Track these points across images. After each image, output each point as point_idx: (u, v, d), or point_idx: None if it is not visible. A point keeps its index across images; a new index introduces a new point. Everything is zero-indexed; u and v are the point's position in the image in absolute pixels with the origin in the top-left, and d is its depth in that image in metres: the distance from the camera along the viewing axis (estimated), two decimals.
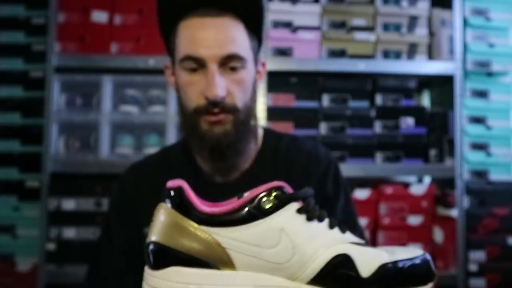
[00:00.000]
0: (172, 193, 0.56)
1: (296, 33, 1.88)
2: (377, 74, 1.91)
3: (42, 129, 1.81)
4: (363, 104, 1.90)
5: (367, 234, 1.82)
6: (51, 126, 1.80)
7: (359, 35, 1.90)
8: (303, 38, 1.88)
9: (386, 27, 1.92)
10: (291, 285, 0.55)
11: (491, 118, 1.93)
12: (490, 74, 1.95)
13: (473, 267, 1.85)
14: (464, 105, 1.92)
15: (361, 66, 1.87)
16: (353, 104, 1.89)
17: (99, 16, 1.85)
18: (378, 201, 1.87)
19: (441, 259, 1.87)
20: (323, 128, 1.87)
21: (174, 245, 0.54)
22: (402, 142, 1.88)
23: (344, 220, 0.95)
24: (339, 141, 1.86)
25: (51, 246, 1.76)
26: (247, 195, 0.56)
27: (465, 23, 1.94)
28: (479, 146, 1.92)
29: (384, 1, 1.92)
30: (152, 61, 1.82)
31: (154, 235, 0.55)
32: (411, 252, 0.57)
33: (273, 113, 1.85)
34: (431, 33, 1.94)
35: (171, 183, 0.57)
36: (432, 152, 1.90)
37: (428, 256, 0.57)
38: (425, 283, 0.56)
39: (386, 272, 0.54)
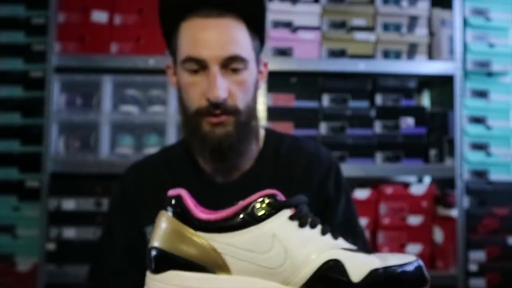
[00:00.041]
0: (173, 201, 0.58)
1: (296, 33, 1.88)
2: (377, 74, 1.91)
3: (42, 129, 1.81)
4: (363, 104, 1.90)
5: (367, 234, 1.82)
6: (51, 126, 1.80)
7: (359, 35, 1.90)
8: (303, 38, 1.88)
9: (386, 27, 1.92)
10: None
11: (491, 118, 1.93)
12: (490, 74, 1.95)
13: (473, 267, 1.85)
14: (464, 105, 1.92)
15: (361, 66, 1.87)
16: (353, 104, 1.89)
17: (99, 16, 1.85)
18: (378, 201, 1.87)
19: (441, 259, 1.87)
20: (323, 128, 1.87)
21: (173, 250, 0.56)
22: (402, 142, 1.88)
23: (345, 222, 0.95)
24: (339, 141, 1.86)
25: (51, 246, 1.76)
26: (241, 202, 0.58)
27: (465, 23, 1.94)
28: (479, 146, 1.92)
29: (384, 1, 1.92)
30: (152, 61, 1.82)
31: (156, 241, 0.58)
32: (403, 259, 0.58)
33: (273, 113, 1.85)
34: (431, 33, 1.94)
35: (172, 192, 0.59)
36: (432, 152, 1.90)
37: (421, 262, 0.58)
38: None
39: (376, 277, 0.56)
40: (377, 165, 1.87)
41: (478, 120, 1.93)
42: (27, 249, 1.82)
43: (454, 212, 1.84)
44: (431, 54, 1.94)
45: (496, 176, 1.92)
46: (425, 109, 1.95)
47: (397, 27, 1.92)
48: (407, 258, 0.58)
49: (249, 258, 0.56)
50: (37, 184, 1.83)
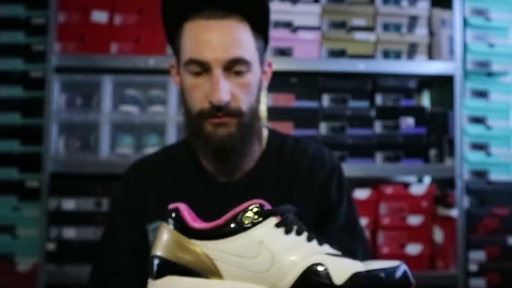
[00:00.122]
0: (173, 214, 0.64)
1: (296, 33, 1.88)
2: (377, 74, 1.91)
3: (42, 129, 1.81)
4: (363, 104, 1.90)
5: (367, 234, 1.82)
6: (51, 126, 1.80)
7: (359, 35, 1.90)
8: (303, 38, 1.88)
9: (386, 27, 1.92)
10: None
11: (491, 118, 1.93)
12: (490, 74, 1.95)
13: (473, 267, 1.85)
14: (464, 105, 1.92)
15: (361, 66, 1.87)
16: (353, 104, 1.89)
17: (99, 16, 1.85)
18: (378, 201, 1.87)
19: (441, 259, 1.87)
20: (323, 128, 1.87)
21: (172, 258, 0.62)
22: (402, 142, 1.88)
23: (346, 224, 0.95)
24: (339, 141, 1.86)
25: (51, 246, 1.76)
26: (231, 211, 0.63)
27: (465, 23, 1.94)
28: (479, 146, 1.92)
29: (384, 1, 1.92)
30: (152, 61, 1.82)
31: (158, 250, 0.63)
32: (387, 263, 0.61)
33: (273, 113, 1.85)
34: (431, 33, 1.94)
35: (172, 206, 0.65)
36: (432, 152, 1.90)
37: (405, 267, 0.61)
38: None
39: (359, 279, 0.59)
40: (377, 165, 1.87)
41: (478, 120, 1.93)
42: (27, 249, 1.82)
43: (454, 212, 1.84)
44: (431, 54, 1.94)
45: (496, 176, 1.92)
46: (425, 109, 1.95)
47: (397, 27, 1.92)
48: (391, 263, 0.61)
49: (238, 263, 0.60)
50: (37, 184, 1.83)
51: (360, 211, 1.02)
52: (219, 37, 0.83)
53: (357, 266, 0.60)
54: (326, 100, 1.88)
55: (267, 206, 0.63)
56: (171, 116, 1.82)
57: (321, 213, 0.94)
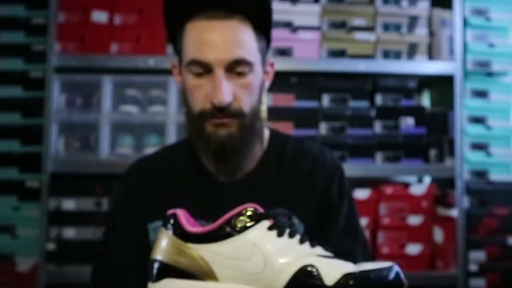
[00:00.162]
0: (171, 220, 0.66)
1: (296, 33, 1.88)
2: (377, 74, 1.91)
3: (42, 129, 1.81)
4: (363, 104, 1.90)
5: (367, 234, 1.82)
6: (51, 126, 1.80)
7: (359, 35, 1.90)
8: (303, 38, 1.88)
9: (386, 27, 1.92)
10: None
11: (491, 118, 1.93)
12: (490, 74, 1.95)
13: (473, 267, 1.85)
14: (464, 105, 1.92)
15: (361, 66, 1.87)
16: (353, 104, 1.89)
17: (99, 16, 1.85)
18: (378, 201, 1.87)
19: (441, 259, 1.87)
20: (323, 128, 1.87)
21: (170, 261, 0.64)
22: (402, 142, 1.88)
23: (346, 226, 0.95)
24: (339, 141, 1.86)
25: (51, 246, 1.76)
26: (225, 215, 0.65)
27: (465, 23, 1.94)
28: (479, 146, 1.92)
29: (384, 1, 1.92)
30: (152, 61, 1.82)
31: (157, 254, 0.66)
32: (379, 264, 0.62)
33: (273, 113, 1.85)
34: (431, 33, 1.94)
35: (170, 211, 0.68)
36: (432, 152, 1.90)
37: (397, 267, 0.62)
38: None
39: (349, 280, 0.60)
40: (377, 165, 1.87)
41: (478, 120, 1.93)
42: (27, 249, 1.82)
43: (454, 212, 1.84)
44: (431, 54, 1.94)
45: (496, 176, 1.92)
46: (425, 109, 1.95)
47: (397, 27, 1.92)
48: (383, 264, 0.62)
49: (232, 265, 0.62)
50: (37, 184, 1.83)
51: (360, 211, 1.02)
52: (221, 38, 0.83)
53: (348, 267, 0.61)
54: (326, 100, 1.88)
55: (260, 210, 0.65)
56: (171, 116, 1.82)
57: (322, 214, 0.94)
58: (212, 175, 0.94)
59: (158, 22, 1.84)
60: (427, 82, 2.11)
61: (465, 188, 1.88)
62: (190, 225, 0.67)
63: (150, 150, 1.76)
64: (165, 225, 0.67)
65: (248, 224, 0.64)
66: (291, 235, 0.64)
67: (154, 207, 0.93)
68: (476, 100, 1.93)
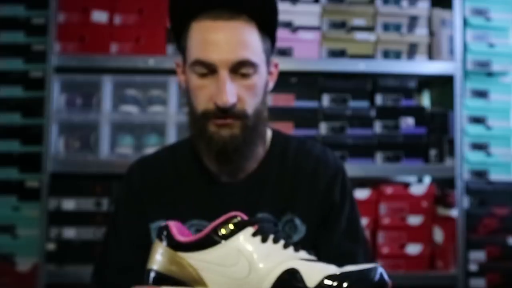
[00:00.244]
0: (164, 232, 0.70)
1: (296, 33, 1.88)
2: (377, 74, 1.91)
3: (42, 129, 1.81)
4: (363, 104, 1.90)
5: (367, 234, 1.82)
6: (51, 126, 1.80)
7: (359, 35, 1.90)
8: (303, 38, 1.88)
9: (386, 27, 1.92)
10: None
11: (491, 118, 1.93)
12: (490, 74, 1.95)
13: (473, 267, 1.85)
14: (464, 105, 1.92)
15: (361, 66, 1.87)
16: (353, 104, 1.89)
17: (99, 16, 1.85)
18: (378, 201, 1.87)
19: (441, 259, 1.87)
20: (323, 128, 1.87)
21: (164, 271, 0.68)
22: (402, 142, 1.88)
23: (348, 227, 0.95)
24: (339, 141, 1.86)
25: (51, 246, 1.76)
26: (211, 224, 0.68)
27: (465, 23, 1.94)
28: (479, 146, 1.92)
29: (384, 1, 1.92)
30: (152, 61, 1.82)
31: (152, 264, 0.69)
32: (363, 266, 0.63)
33: (273, 113, 1.83)
34: (431, 33, 1.94)
35: (163, 224, 0.71)
36: (432, 152, 1.90)
37: (381, 269, 0.63)
38: None
39: (331, 281, 0.61)
40: (377, 165, 1.87)
41: (478, 120, 1.93)
42: (27, 249, 1.82)
43: (454, 212, 1.84)
44: (431, 54, 1.94)
45: (496, 176, 1.92)
46: (425, 109, 1.95)
47: (397, 27, 1.92)
48: (367, 266, 0.63)
49: (220, 271, 0.65)
50: (37, 184, 1.83)
51: (360, 211, 1.02)
52: (226, 39, 0.83)
53: (330, 269, 0.63)
54: (326, 100, 1.88)
55: (244, 218, 0.68)
56: (171, 116, 1.82)
57: (324, 215, 0.94)
58: (214, 175, 0.94)
59: (158, 22, 1.84)
60: (427, 82, 2.11)
61: (465, 188, 1.88)
62: (184, 235, 0.70)
63: (150, 150, 1.76)
64: (159, 237, 0.70)
65: (233, 231, 0.67)
66: (275, 241, 0.67)
67: (156, 206, 0.93)
68: (476, 100, 1.93)
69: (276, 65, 0.96)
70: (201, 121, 0.86)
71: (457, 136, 1.88)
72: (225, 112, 0.83)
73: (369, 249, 0.99)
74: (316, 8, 1.89)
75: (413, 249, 1.85)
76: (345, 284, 0.60)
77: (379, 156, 1.87)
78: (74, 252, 1.76)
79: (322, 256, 0.81)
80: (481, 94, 1.94)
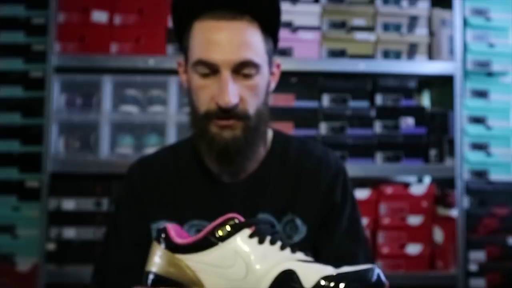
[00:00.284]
0: (162, 235, 0.70)
1: (296, 33, 1.88)
2: (377, 74, 1.91)
3: (42, 129, 1.81)
4: (363, 104, 1.90)
5: (367, 234, 1.82)
6: (51, 126, 1.80)
7: (359, 35, 1.90)
8: (303, 38, 1.88)
9: (386, 27, 1.92)
10: None
11: (491, 118, 1.93)
12: (490, 74, 1.95)
13: (473, 267, 1.85)
14: (464, 105, 1.92)
15: (361, 66, 1.87)
16: (353, 104, 1.89)
17: (99, 16, 1.85)
18: (378, 201, 1.87)
19: (441, 259, 1.87)
20: (323, 128, 1.87)
21: (162, 272, 0.69)
22: (402, 142, 1.88)
23: (348, 228, 0.95)
24: (339, 141, 1.86)
25: (51, 246, 1.76)
26: (209, 226, 0.69)
27: (465, 23, 1.94)
28: (479, 146, 1.92)
29: (384, 1, 1.92)
30: (152, 61, 1.82)
31: (151, 266, 0.70)
32: (359, 267, 0.64)
33: (273, 113, 1.82)
34: (431, 33, 1.94)
35: (161, 226, 0.72)
36: (432, 152, 1.90)
37: (378, 270, 0.63)
38: None
39: (327, 282, 0.62)
40: (377, 165, 1.87)
41: (478, 120, 1.93)
42: (27, 249, 1.82)
43: (454, 212, 1.84)
44: (431, 54, 1.94)
45: (496, 176, 1.92)
46: (425, 109, 1.95)
47: (397, 27, 1.92)
48: (363, 267, 0.64)
49: (217, 273, 0.66)
50: (37, 184, 1.83)
51: (360, 211, 1.02)
52: (228, 39, 0.83)
53: (327, 270, 0.64)
54: (326, 100, 1.88)
55: (241, 219, 0.69)
56: (171, 116, 1.82)
57: (325, 215, 0.94)
58: (215, 176, 0.94)
59: (158, 22, 1.84)
60: (427, 82, 2.11)
61: (465, 188, 1.88)
62: (182, 237, 0.70)
63: (150, 150, 1.76)
64: (157, 239, 0.71)
65: (230, 233, 0.67)
66: (272, 242, 0.67)
67: (157, 207, 0.93)
68: (476, 100, 1.93)
69: (278, 66, 0.96)
70: (203, 121, 0.86)
71: (457, 136, 1.88)
72: (227, 113, 0.83)
73: (370, 251, 0.99)
74: (316, 8, 1.89)
75: (413, 249, 1.85)
76: (341, 285, 0.61)
77: (379, 156, 1.87)
78: (74, 252, 1.76)
79: (323, 256, 0.81)
80: (481, 94, 1.94)
